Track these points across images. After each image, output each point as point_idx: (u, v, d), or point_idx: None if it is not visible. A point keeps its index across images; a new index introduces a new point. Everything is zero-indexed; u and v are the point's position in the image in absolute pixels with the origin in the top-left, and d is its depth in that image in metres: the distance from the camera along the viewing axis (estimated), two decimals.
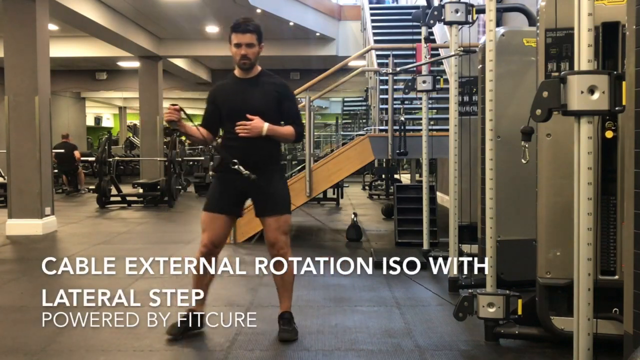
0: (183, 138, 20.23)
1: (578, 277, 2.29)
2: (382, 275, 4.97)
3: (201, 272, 3.40)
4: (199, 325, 3.44)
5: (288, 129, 3.31)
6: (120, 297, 4.31)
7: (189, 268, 3.45)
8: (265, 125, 3.19)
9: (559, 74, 2.32)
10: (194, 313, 3.44)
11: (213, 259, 3.40)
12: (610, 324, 2.89)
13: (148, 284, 4.72)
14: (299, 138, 3.40)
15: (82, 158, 13.48)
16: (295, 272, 3.42)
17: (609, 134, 2.84)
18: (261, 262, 5.30)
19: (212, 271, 3.44)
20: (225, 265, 5.52)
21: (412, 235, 6.30)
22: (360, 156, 6.46)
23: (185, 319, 3.39)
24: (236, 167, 3.17)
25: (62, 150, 12.73)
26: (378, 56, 8.32)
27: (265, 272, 5.08)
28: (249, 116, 3.19)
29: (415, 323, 3.67)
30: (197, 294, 3.44)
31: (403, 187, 7.52)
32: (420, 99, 5.52)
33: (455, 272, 4.36)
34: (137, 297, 4.32)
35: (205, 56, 14.60)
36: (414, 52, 6.37)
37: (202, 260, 3.37)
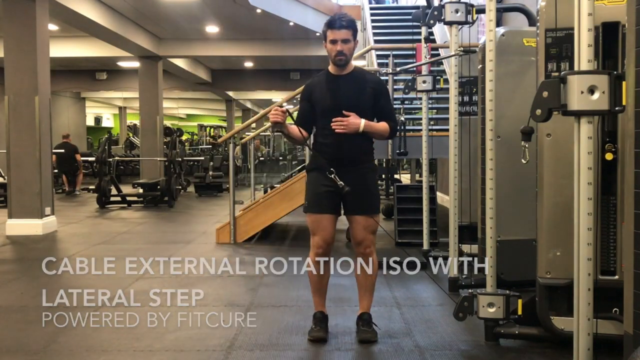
0: (184, 137, 20.21)
1: (578, 277, 2.29)
2: (382, 275, 4.97)
3: (321, 272, 3.37)
4: (328, 327, 3.42)
5: (383, 125, 3.29)
6: (120, 297, 4.31)
7: (309, 271, 3.40)
8: (362, 122, 3.18)
9: (559, 74, 2.31)
10: (325, 314, 3.43)
11: (328, 259, 3.37)
12: (610, 324, 2.89)
13: (148, 284, 4.72)
14: (393, 134, 3.38)
15: (82, 158, 13.48)
16: (376, 270, 3.40)
17: (609, 156, 2.84)
18: (261, 262, 5.33)
19: (328, 272, 3.42)
20: (225, 265, 5.54)
21: (412, 235, 6.30)
22: None
23: (320, 321, 3.38)
24: (332, 176, 3.16)
25: (62, 151, 12.74)
26: (378, 56, 8.33)
27: (265, 272, 5.11)
28: (345, 112, 3.17)
29: (415, 323, 3.67)
30: (319, 297, 3.44)
31: (403, 187, 7.52)
32: (420, 99, 5.53)
33: (455, 272, 4.36)
34: (137, 297, 4.32)
35: (205, 56, 14.61)
36: (414, 52, 6.36)
37: (319, 260, 3.34)
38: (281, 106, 3.20)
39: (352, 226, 3.34)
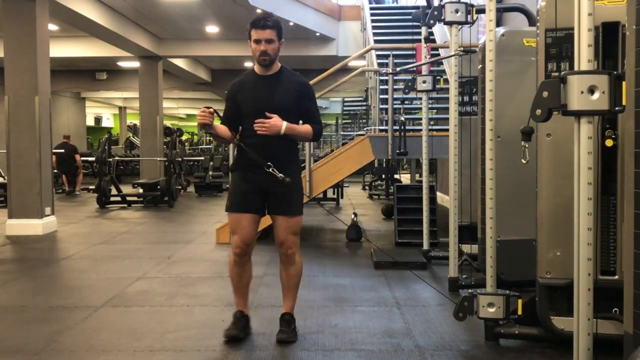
0: (184, 137, 20.22)
1: (578, 277, 2.29)
2: (382, 275, 4.98)
3: (240, 272, 3.37)
4: (249, 327, 3.43)
5: (306, 128, 3.29)
6: (120, 297, 4.32)
7: (229, 270, 3.40)
8: (284, 124, 3.17)
9: (559, 74, 2.31)
10: (245, 314, 3.43)
11: (248, 259, 3.37)
12: (610, 324, 2.89)
13: (148, 284, 4.72)
14: (317, 137, 3.37)
15: (82, 158, 13.47)
16: (299, 271, 3.40)
17: (609, 143, 2.84)
18: (261, 262, 5.34)
19: (249, 272, 3.42)
20: (225, 265, 5.53)
21: (412, 235, 6.30)
22: (360, 156, 6.47)
23: (237, 320, 3.37)
24: (270, 169, 3.15)
25: (62, 151, 12.73)
26: (378, 56, 8.32)
27: (265, 271, 5.10)
28: (267, 114, 3.16)
29: (415, 323, 3.67)
30: (240, 297, 3.43)
31: (403, 187, 7.51)
32: (420, 99, 5.53)
33: (455, 272, 4.36)
34: (137, 297, 4.33)
35: (205, 56, 14.61)
36: (414, 52, 6.36)
37: (238, 260, 3.34)
38: (208, 107, 3.17)
39: (274, 227, 3.32)
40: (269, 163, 3.16)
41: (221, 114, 3.36)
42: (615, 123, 2.85)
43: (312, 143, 6.77)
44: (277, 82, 3.26)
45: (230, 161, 6.90)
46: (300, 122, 3.31)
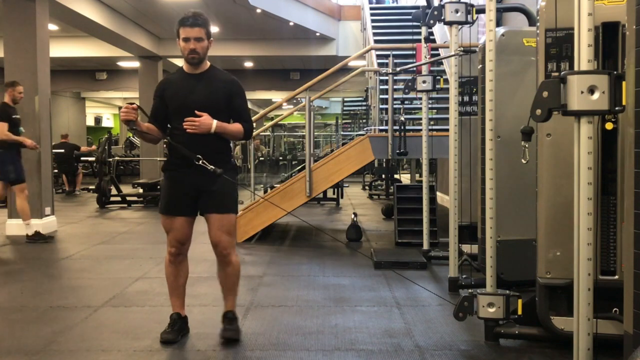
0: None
1: (578, 277, 2.29)
2: (382, 275, 4.98)
3: (176, 272, 3.37)
4: (187, 329, 3.44)
5: (237, 127, 3.25)
6: (120, 297, 4.32)
7: (165, 271, 3.40)
8: (214, 122, 3.14)
9: (559, 74, 2.31)
10: (182, 316, 3.43)
11: (183, 258, 3.37)
12: (610, 324, 2.89)
13: (148, 284, 4.72)
14: (248, 136, 3.32)
15: (82, 158, 13.47)
16: (236, 270, 3.36)
17: (609, 126, 2.82)
18: (261, 262, 5.34)
19: (185, 271, 3.41)
20: None
21: (412, 235, 6.30)
22: (360, 156, 6.47)
23: (174, 323, 3.37)
24: (200, 162, 3.10)
25: (62, 150, 12.72)
26: (378, 56, 8.33)
27: (265, 271, 5.10)
28: (197, 112, 3.13)
29: (415, 323, 3.67)
30: (177, 298, 3.42)
31: (403, 187, 7.52)
32: (420, 99, 5.53)
33: (455, 272, 4.36)
34: (137, 297, 4.33)
35: None
36: (414, 52, 6.37)
37: (173, 260, 3.34)
38: (131, 103, 3.13)
39: (208, 227, 3.30)
40: (199, 156, 3.11)
41: (144, 109, 3.31)
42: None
43: (311, 143, 6.78)
44: (205, 81, 3.24)
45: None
46: (231, 120, 3.28)
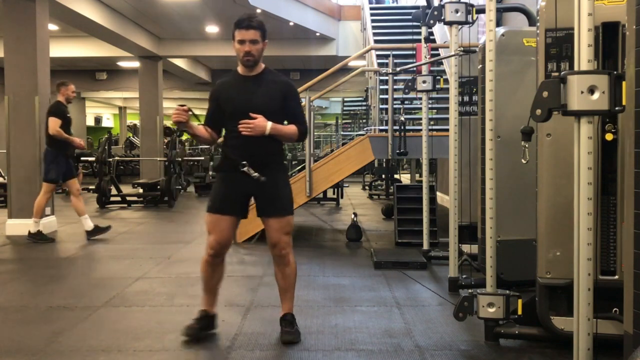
0: (184, 137, 20.24)
1: (578, 277, 2.29)
2: (382, 275, 4.98)
3: (212, 273, 3.38)
4: (213, 326, 3.44)
5: (291, 128, 3.27)
6: (120, 297, 4.32)
7: (201, 269, 3.41)
8: (269, 124, 3.15)
9: (559, 74, 2.31)
10: (209, 314, 3.43)
11: (221, 260, 3.38)
12: (610, 324, 2.89)
13: (148, 284, 4.72)
14: (302, 137, 3.35)
15: (82, 158, 13.46)
16: (294, 271, 3.39)
17: (609, 137, 2.83)
18: (261, 262, 5.34)
19: (220, 272, 3.42)
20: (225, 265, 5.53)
21: (412, 235, 6.30)
22: (360, 156, 6.47)
23: (200, 319, 3.38)
24: (245, 169, 3.14)
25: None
26: (378, 56, 8.33)
27: (265, 271, 5.10)
28: (252, 115, 3.15)
29: (415, 323, 3.67)
30: (208, 296, 3.43)
31: (403, 187, 7.52)
32: (420, 99, 5.53)
33: (455, 272, 4.36)
34: (137, 297, 4.33)
35: (205, 56, 14.61)
36: (414, 52, 6.37)
37: (211, 261, 3.34)
38: (182, 105, 3.16)
39: (266, 228, 3.31)
40: (244, 162, 3.14)
41: (196, 112, 3.35)
42: (616, 118, 2.85)
43: (311, 143, 6.78)
44: (261, 83, 3.25)
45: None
46: (285, 122, 3.29)
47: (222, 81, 3.39)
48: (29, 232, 6.71)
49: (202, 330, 3.36)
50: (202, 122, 3.36)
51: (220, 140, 3.45)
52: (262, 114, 3.16)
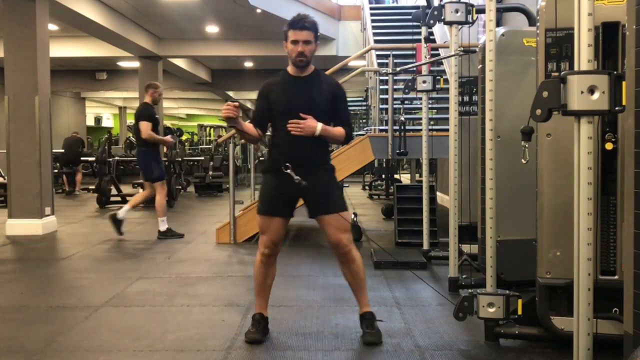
0: (184, 138, 20.23)
1: (578, 277, 2.29)
2: (382, 275, 4.98)
3: (266, 273, 3.36)
4: (267, 329, 3.41)
5: (339, 130, 3.27)
6: (120, 297, 4.32)
7: (254, 271, 3.38)
8: (319, 125, 3.16)
9: (559, 74, 2.31)
10: (264, 316, 3.40)
11: (274, 260, 3.37)
12: (610, 324, 2.89)
13: (148, 284, 4.72)
14: (348, 140, 3.36)
15: (82, 158, 13.47)
16: (361, 266, 3.35)
17: (609, 146, 2.84)
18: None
19: (273, 272, 3.41)
20: (225, 265, 5.53)
21: (412, 235, 6.30)
22: (360, 156, 6.47)
23: (258, 323, 3.35)
24: (288, 171, 3.13)
25: (74, 134, 12.70)
26: (378, 56, 8.33)
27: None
28: (302, 115, 3.15)
29: (415, 323, 3.67)
30: (262, 298, 3.41)
31: (403, 187, 7.51)
32: (420, 99, 5.53)
33: (455, 272, 4.36)
34: (137, 297, 4.33)
35: (205, 56, 14.61)
36: (414, 52, 6.37)
37: (265, 261, 3.33)
38: (235, 101, 3.15)
39: (323, 229, 3.30)
40: (288, 164, 3.14)
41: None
42: (616, 126, 2.85)
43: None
44: (311, 84, 3.26)
45: (231, 161, 6.91)
46: (332, 124, 3.30)
47: (272, 80, 3.37)
48: (159, 231, 6.90)
49: (262, 334, 3.33)
50: (251, 119, 3.34)
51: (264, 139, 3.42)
52: (312, 114, 3.17)
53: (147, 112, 6.79)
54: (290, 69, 3.31)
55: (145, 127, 6.67)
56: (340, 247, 3.27)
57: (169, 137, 7.16)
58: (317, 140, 3.20)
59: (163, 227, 6.91)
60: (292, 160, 3.16)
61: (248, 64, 15.85)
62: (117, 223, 6.87)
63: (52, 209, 7.60)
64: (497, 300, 3.21)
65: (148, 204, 7.94)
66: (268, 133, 3.45)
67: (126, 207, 6.98)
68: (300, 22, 3.19)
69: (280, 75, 3.35)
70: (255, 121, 3.33)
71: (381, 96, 7.08)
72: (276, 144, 3.26)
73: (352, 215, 6.90)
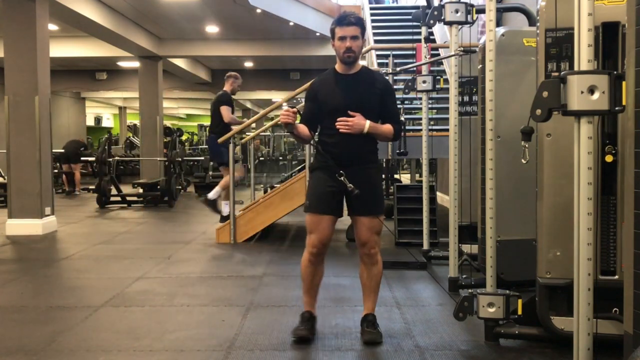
0: (184, 138, 20.21)
1: (578, 277, 2.29)
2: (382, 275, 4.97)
3: (314, 272, 3.35)
4: (315, 328, 3.41)
5: (388, 127, 3.26)
6: (120, 297, 4.32)
7: (302, 269, 3.37)
8: (367, 123, 3.15)
9: (559, 74, 2.31)
10: (313, 314, 3.41)
11: (322, 259, 3.36)
12: (610, 324, 2.89)
13: (148, 284, 4.72)
14: (397, 137, 3.36)
15: (82, 158, 13.47)
16: (381, 271, 3.39)
17: (608, 158, 2.84)
18: (261, 262, 5.33)
19: (321, 271, 3.40)
20: (225, 265, 5.53)
21: (412, 235, 6.30)
22: None
23: (306, 321, 3.35)
24: (342, 178, 3.13)
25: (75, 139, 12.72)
26: (378, 56, 8.32)
27: (264, 271, 5.10)
28: (350, 112, 3.15)
29: (415, 323, 3.67)
30: (310, 296, 3.41)
31: (403, 187, 7.51)
32: (420, 99, 5.53)
33: (455, 272, 4.36)
34: (137, 297, 4.33)
35: (205, 56, 14.61)
36: (414, 52, 6.36)
37: (313, 260, 3.32)
38: (292, 107, 3.17)
39: (356, 227, 3.31)
40: (342, 172, 3.14)
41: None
42: (615, 139, 2.86)
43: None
44: (359, 81, 3.25)
45: (231, 161, 6.91)
46: (380, 121, 3.29)
47: (320, 79, 3.37)
48: (221, 215, 7.04)
49: (311, 332, 3.33)
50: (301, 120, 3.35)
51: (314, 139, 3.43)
52: (360, 112, 3.16)
53: (227, 98, 7.06)
54: (338, 66, 3.30)
55: (227, 111, 6.92)
56: (367, 247, 3.29)
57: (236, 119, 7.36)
58: (365, 138, 3.20)
59: (225, 211, 6.99)
60: (341, 158, 3.17)
61: (248, 64, 15.84)
62: (213, 204, 7.01)
63: (52, 209, 7.60)
64: (497, 300, 3.21)
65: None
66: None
67: (222, 202, 7.10)
68: (347, 18, 3.19)
69: (328, 74, 3.35)
70: (305, 122, 3.33)
71: None
72: (326, 142, 3.26)
73: None
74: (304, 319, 3.37)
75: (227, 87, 7.24)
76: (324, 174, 3.26)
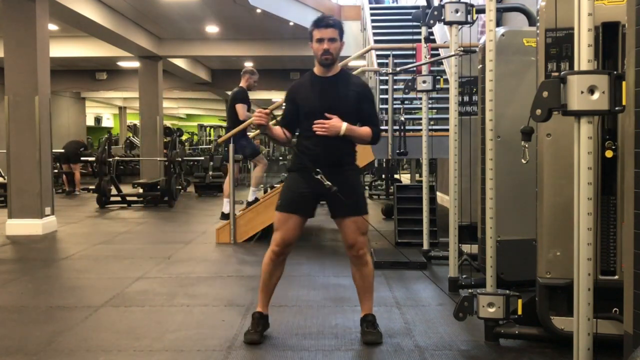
0: (184, 138, 20.21)
1: (578, 277, 2.29)
2: (382, 275, 4.97)
3: (272, 271, 3.36)
4: (268, 325, 3.42)
5: (366, 130, 3.27)
6: (120, 297, 4.32)
7: (263, 266, 3.38)
8: (344, 125, 3.15)
9: (559, 74, 2.31)
10: (264, 314, 3.40)
11: (283, 259, 3.37)
12: (610, 324, 2.89)
13: (148, 284, 4.72)
14: (376, 140, 3.35)
15: (82, 158, 13.47)
16: (372, 271, 3.38)
17: (608, 154, 2.84)
18: (261, 262, 5.30)
19: (280, 272, 3.41)
20: (225, 265, 5.53)
21: (412, 235, 6.30)
22: (360, 156, 6.36)
23: (257, 322, 3.35)
24: (319, 177, 3.13)
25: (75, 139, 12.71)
26: (378, 56, 8.32)
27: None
28: (327, 115, 3.15)
29: (415, 323, 3.67)
30: (265, 296, 3.41)
31: (403, 187, 7.51)
32: (420, 99, 5.53)
33: (455, 272, 4.36)
34: (137, 297, 4.33)
35: (205, 56, 14.60)
36: (414, 52, 6.36)
37: (274, 259, 3.33)
38: (265, 109, 3.19)
39: (342, 230, 3.30)
40: (318, 170, 3.15)
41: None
42: (615, 134, 2.85)
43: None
44: (337, 84, 3.26)
45: (231, 161, 6.91)
46: (358, 124, 3.29)
47: (299, 81, 3.40)
48: (247, 201, 7.08)
49: (261, 336, 3.32)
50: (278, 123, 3.36)
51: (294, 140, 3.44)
52: (337, 114, 3.17)
53: (243, 95, 7.05)
54: (316, 69, 3.31)
55: (242, 109, 6.90)
56: (355, 249, 3.29)
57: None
58: (343, 140, 3.20)
59: (252, 197, 7.02)
60: (318, 160, 3.17)
61: (248, 64, 15.82)
62: (251, 204, 7.00)
63: (52, 209, 7.60)
64: (497, 300, 3.21)
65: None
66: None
67: (251, 188, 7.15)
68: (325, 20, 3.21)
69: (307, 76, 3.36)
70: (283, 124, 3.33)
71: (381, 96, 7.07)
72: (304, 145, 3.27)
73: None
74: (255, 320, 3.36)
75: (243, 83, 7.21)
76: (299, 176, 3.27)
